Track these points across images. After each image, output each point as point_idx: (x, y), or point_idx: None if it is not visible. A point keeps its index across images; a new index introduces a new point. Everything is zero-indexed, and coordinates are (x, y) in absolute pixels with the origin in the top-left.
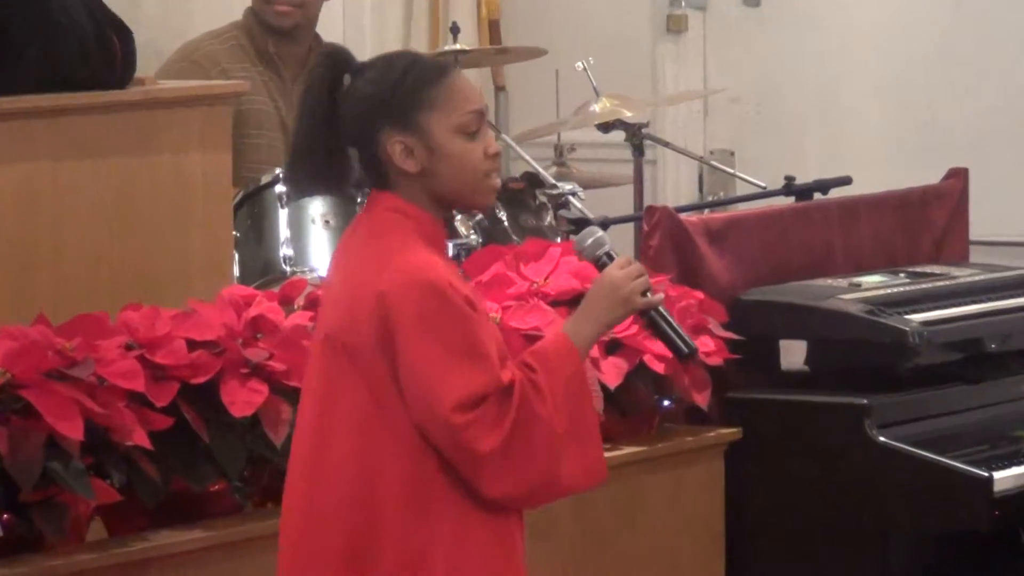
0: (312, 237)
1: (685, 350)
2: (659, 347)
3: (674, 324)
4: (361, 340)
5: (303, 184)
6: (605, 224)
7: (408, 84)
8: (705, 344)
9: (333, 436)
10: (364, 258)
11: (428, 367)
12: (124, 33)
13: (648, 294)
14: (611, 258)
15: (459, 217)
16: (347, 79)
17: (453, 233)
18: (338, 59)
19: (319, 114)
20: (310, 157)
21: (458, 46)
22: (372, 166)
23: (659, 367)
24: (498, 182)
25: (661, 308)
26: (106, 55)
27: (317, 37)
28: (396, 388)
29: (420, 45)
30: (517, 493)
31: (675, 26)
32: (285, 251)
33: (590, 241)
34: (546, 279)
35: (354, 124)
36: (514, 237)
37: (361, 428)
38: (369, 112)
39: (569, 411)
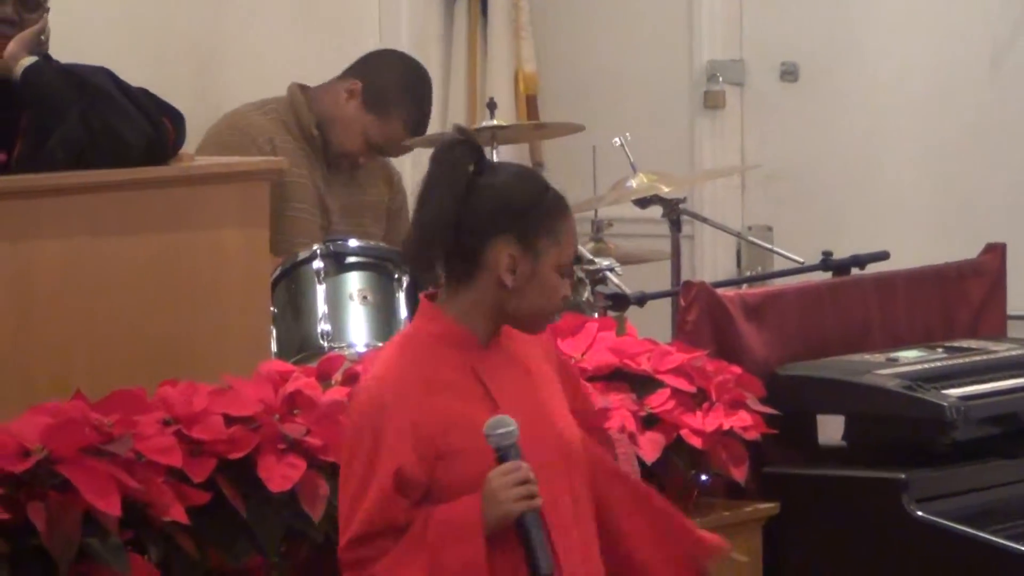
0: (350, 313)
1: (539, 569)
2: (698, 421)
3: (537, 539)
4: None
5: (418, 262)
6: (642, 299)
7: (545, 207)
8: (743, 419)
9: None
10: None
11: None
12: (176, 117)
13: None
14: (510, 455)
15: None
16: (470, 168)
17: None
18: (475, 147)
19: (454, 195)
20: (435, 236)
21: (495, 122)
22: (467, 259)
23: (696, 441)
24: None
25: (533, 519)
26: (160, 135)
27: None
28: None
29: (458, 119)
30: None
31: (712, 102)
32: (323, 327)
33: (500, 431)
34: (583, 354)
35: (478, 217)
36: None
37: None
38: (499, 214)
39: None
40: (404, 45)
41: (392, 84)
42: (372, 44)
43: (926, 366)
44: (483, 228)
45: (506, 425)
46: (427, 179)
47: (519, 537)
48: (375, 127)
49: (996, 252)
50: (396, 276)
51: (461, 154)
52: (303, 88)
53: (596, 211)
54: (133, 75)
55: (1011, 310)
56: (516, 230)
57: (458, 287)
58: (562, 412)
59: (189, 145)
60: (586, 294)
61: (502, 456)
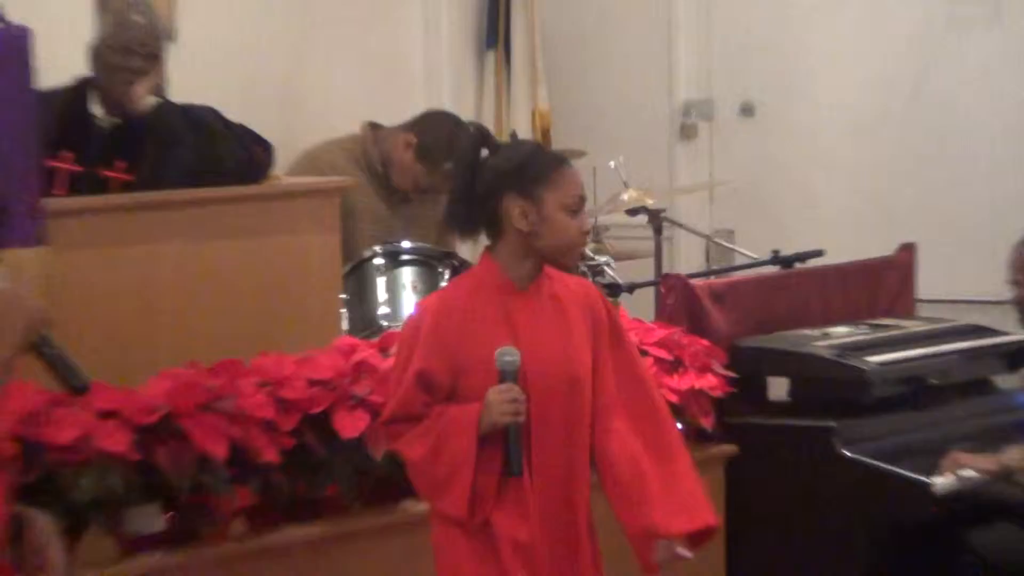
0: (404, 299)
1: (512, 468)
2: (675, 382)
3: (514, 446)
4: None
5: (457, 227)
6: (632, 288)
7: (535, 163)
8: (710, 380)
9: None
10: None
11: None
12: (267, 146)
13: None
14: (507, 377)
15: None
16: (484, 152)
17: None
18: (484, 136)
19: (466, 175)
20: (460, 207)
21: None
22: (491, 220)
23: (674, 398)
24: (584, 250)
25: (516, 430)
26: (252, 160)
27: None
28: None
29: None
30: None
31: (687, 133)
32: (383, 310)
33: (506, 359)
34: None
35: (486, 185)
36: None
37: None
38: (499, 178)
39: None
40: (446, 90)
41: (440, 142)
42: (419, 89)
43: (853, 339)
44: (492, 192)
45: (511, 354)
46: (454, 164)
47: (503, 442)
48: (424, 175)
49: (908, 250)
50: (440, 270)
51: (473, 141)
52: (374, 127)
53: (596, 219)
54: (234, 113)
55: (920, 295)
56: (516, 186)
57: (496, 243)
58: (577, 352)
59: (276, 168)
60: None
61: (502, 377)
